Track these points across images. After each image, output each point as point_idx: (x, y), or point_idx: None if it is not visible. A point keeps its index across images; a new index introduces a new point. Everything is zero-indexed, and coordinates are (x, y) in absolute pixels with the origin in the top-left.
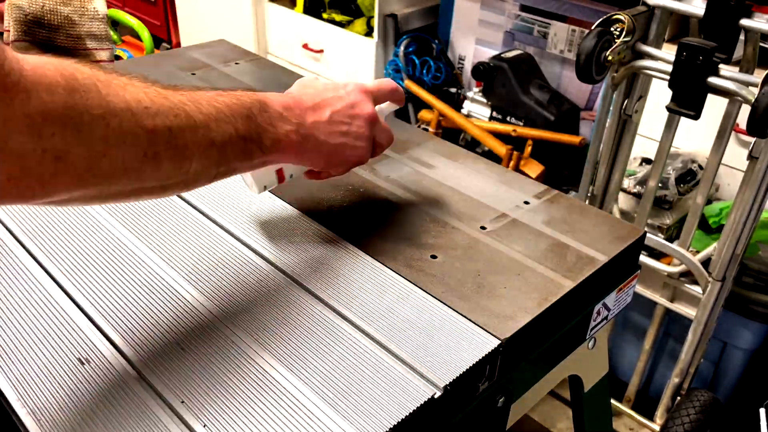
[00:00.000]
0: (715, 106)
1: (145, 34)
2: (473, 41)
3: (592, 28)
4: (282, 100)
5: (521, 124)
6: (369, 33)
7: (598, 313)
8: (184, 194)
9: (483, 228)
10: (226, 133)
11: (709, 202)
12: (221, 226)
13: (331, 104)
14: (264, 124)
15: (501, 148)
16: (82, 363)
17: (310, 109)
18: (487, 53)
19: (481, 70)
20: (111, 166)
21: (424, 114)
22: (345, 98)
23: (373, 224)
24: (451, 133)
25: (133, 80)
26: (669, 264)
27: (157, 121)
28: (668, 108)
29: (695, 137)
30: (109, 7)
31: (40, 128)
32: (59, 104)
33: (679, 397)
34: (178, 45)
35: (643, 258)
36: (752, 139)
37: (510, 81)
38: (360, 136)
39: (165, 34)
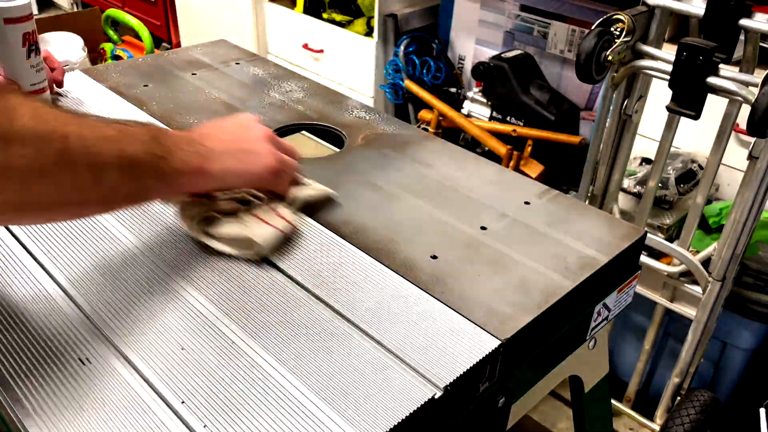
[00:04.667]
0: (715, 106)
1: (145, 34)
2: (473, 41)
3: (592, 28)
4: (175, 131)
5: (521, 124)
6: (369, 33)
7: (599, 313)
8: None
9: (483, 228)
10: (136, 148)
11: (709, 202)
12: None
13: (219, 126)
14: (169, 146)
15: (501, 148)
16: (82, 363)
17: (203, 135)
18: (487, 53)
19: (481, 70)
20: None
21: (424, 114)
22: (231, 119)
23: (373, 224)
24: (451, 133)
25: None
26: (669, 264)
27: (69, 129)
28: (668, 108)
29: (695, 137)
30: (109, 7)
31: None
32: None
33: (679, 397)
34: (178, 45)
35: (644, 258)
36: (752, 139)
37: (510, 81)
38: (258, 139)
39: (165, 34)
